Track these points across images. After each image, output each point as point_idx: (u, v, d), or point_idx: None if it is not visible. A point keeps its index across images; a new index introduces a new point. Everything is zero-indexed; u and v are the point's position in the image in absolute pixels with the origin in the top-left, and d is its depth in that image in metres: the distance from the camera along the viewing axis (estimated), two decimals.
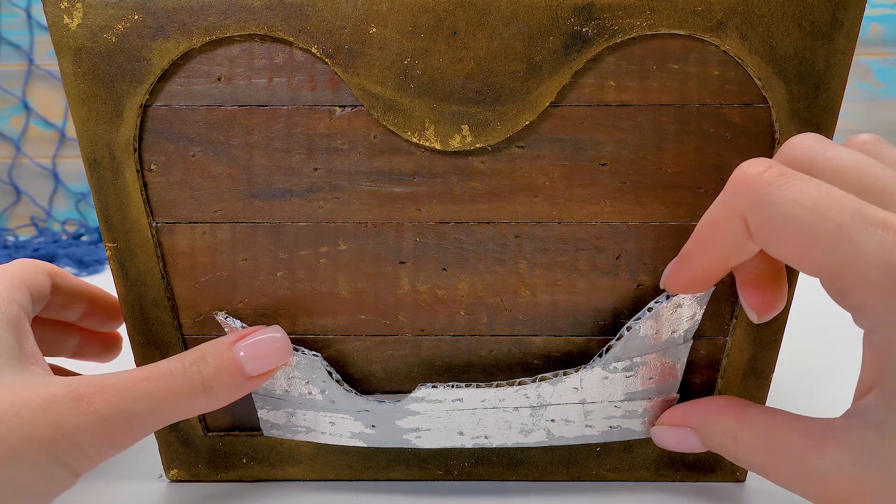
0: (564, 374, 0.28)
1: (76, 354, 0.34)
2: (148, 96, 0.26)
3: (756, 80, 0.25)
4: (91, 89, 0.26)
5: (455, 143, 0.26)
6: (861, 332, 0.22)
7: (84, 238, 1.02)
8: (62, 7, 0.25)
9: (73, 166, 1.13)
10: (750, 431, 0.25)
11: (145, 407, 0.24)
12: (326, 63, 0.25)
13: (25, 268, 0.28)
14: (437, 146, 0.26)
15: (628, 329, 0.27)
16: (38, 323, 0.31)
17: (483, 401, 0.28)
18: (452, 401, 0.28)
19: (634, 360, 0.28)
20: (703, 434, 0.27)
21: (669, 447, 0.28)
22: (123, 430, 0.23)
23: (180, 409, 0.25)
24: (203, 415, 0.30)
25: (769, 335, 0.28)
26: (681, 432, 0.28)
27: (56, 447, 0.22)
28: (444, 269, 0.28)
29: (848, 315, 0.22)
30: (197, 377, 0.25)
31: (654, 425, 0.29)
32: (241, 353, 0.26)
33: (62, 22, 0.25)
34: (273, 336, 0.27)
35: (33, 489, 0.22)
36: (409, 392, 0.28)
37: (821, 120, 0.25)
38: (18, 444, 0.22)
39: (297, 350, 0.28)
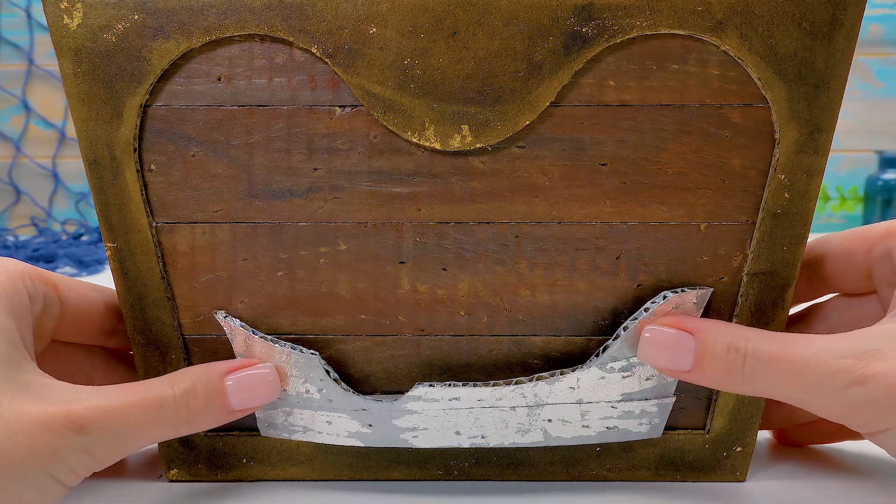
0: (561, 374, 0.28)
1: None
2: (148, 96, 0.26)
3: (756, 80, 0.25)
4: (91, 89, 0.26)
5: (455, 143, 0.26)
6: None
7: (84, 238, 1.02)
8: (62, 7, 0.25)
9: (73, 166, 1.13)
10: (765, 332, 0.26)
11: (132, 435, 0.25)
12: (326, 63, 0.25)
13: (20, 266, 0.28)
14: (437, 146, 0.26)
15: (625, 329, 0.27)
16: (57, 349, 0.30)
17: (480, 400, 0.28)
18: (449, 400, 0.28)
19: (631, 360, 0.28)
20: (708, 337, 0.26)
21: (656, 351, 0.26)
22: (110, 453, 0.25)
23: (162, 437, 0.26)
24: None
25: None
26: (678, 335, 0.26)
27: (51, 466, 0.23)
28: (444, 269, 0.28)
29: None
30: (184, 412, 0.26)
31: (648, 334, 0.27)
32: (230, 383, 0.27)
33: (62, 22, 0.25)
34: (264, 373, 0.27)
35: (33, 501, 0.24)
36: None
37: (821, 120, 0.25)
38: (21, 461, 0.23)
39: (295, 348, 0.28)
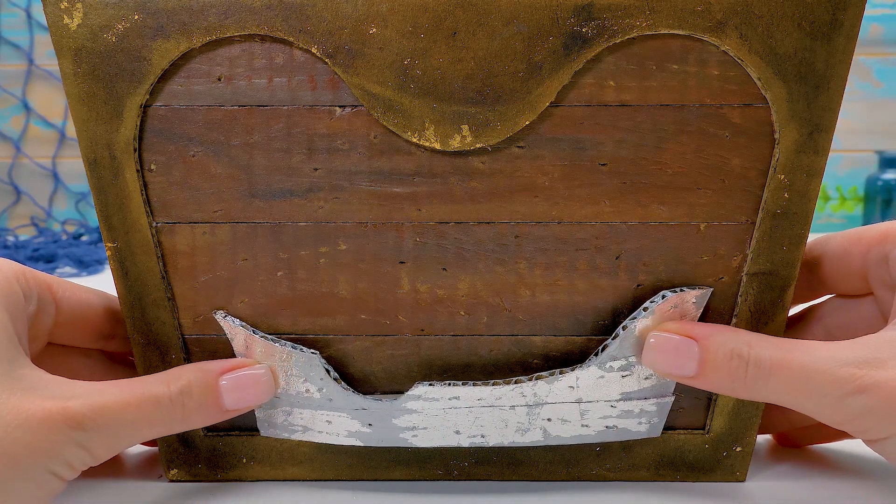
0: (560, 373, 0.28)
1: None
2: (148, 96, 0.26)
3: (756, 80, 0.25)
4: (91, 89, 0.26)
5: (455, 143, 0.26)
6: None
7: (84, 238, 1.02)
8: (62, 7, 0.25)
9: (73, 166, 1.13)
10: (767, 338, 0.26)
11: (128, 432, 0.25)
12: (326, 63, 0.25)
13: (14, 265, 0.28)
14: (437, 146, 0.26)
15: (624, 328, 0.27)
16: (54, 352, 0.30)
17: (480, 399, 0.28)
18: (449, 399, 0.28)
19: (630, 359, 0.28)
20: (711, 344, 0.26)
21: (660, 358, 0.26)
22: (106, 448, 0.25)
23: (157, 434, 0.26)
24: None
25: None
26: (682, 341, 0.26)
27: (49, 460, 0.24)
28: (444, 269, 0.28)
29: None
30: (179, 411, 0.26)
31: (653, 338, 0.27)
32: (224, 383, 0.27)
33: (62, 22, 0.25)
34: (258, 374, 0.28)
35: (32, 495, 0.24)
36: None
37: (821, 120, 0.25)
38: (18, 456, 0.23)
39: (295, 348, 0.28)
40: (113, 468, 0.32)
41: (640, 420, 0.29)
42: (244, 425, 0.30)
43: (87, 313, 0.29)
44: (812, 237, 0.30)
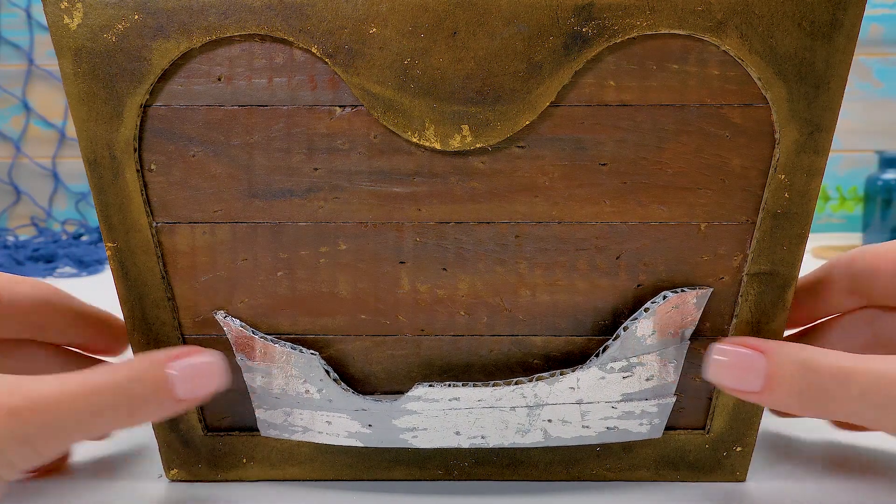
0: (561, 374, 0.28)
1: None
2: (148, 96, 0.26)
3: (756, 80, 0.25)
4: (91, 89, 0.26)
5: (455, 143, 0.26)
6: None
7: (84, 238, 1.02)
8: (62, 7, 0.25)
9: (73, 166, 1.13)
10: (831, 352, 0.25)
11: (72, 425, 0.24)
12: (326, 63, 0.25)
13: None
14: (437, 146, 0.26)
15: (625, 329, 0.27)
16: (33, 348, 0.30)
17: (480, 400, 0.28)
18: (449, 400, 0.28)
19: (631, 360, 0.28)
20: (779, 358, 0.25)
21: (727, 373, 0.26)
22: (49, 445, 0.24)
23: (107, 427, 0.25)
24: (203, 415, 0.30)
25: (769, 335, 0.28)
26: (749, 354, 0.25)
27: None
28: (444, 269, 0.28)
29: None
30: (125, 400, 0.25)
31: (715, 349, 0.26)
32: (174, 373, 0.26)
33: (62, 22, 0.25)
34: (208, 360, 0.26)
35: None
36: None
37: (821, 120, 0.25)
38: None
39: (295, 348, 0.28)
40: (113, 468, 0.32)
41: (641, 421, 0.29)
42: (244, 425, 0.30)
43: (13, 302, 0.29)
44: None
